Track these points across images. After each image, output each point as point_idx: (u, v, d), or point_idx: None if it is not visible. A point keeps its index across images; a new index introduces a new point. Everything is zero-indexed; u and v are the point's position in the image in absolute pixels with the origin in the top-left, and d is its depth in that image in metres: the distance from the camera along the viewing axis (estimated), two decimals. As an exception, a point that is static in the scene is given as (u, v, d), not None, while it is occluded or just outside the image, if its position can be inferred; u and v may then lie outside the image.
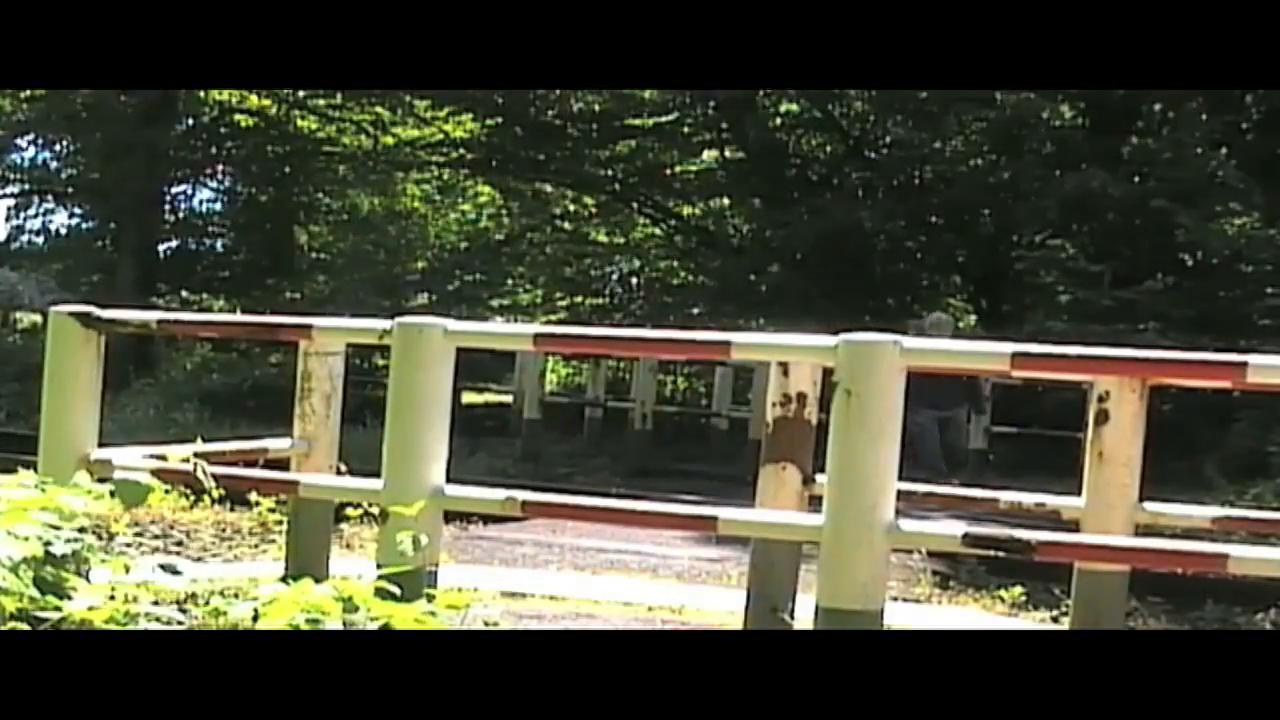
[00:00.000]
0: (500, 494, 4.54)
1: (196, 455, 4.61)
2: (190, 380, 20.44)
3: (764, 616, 5.06)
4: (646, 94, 20.50)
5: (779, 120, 21.27)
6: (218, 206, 27.01)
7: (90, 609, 3.05)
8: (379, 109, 24.08)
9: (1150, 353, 4.46)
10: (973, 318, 20.54)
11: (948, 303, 21.09)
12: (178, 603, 4.61)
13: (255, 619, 3.10)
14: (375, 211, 27.46)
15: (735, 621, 5.45)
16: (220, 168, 26.08)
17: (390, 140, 24.55)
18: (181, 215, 26.28)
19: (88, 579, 3.25)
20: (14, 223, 26.39)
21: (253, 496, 7.88)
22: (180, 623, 3.25)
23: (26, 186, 26.10)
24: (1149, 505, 4.92)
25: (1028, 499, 5.34)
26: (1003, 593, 7.23)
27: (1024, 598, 7.12)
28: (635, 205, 23.56)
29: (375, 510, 4.98)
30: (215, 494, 7.97)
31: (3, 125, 25.14)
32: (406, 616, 3.07)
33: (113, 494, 3.68)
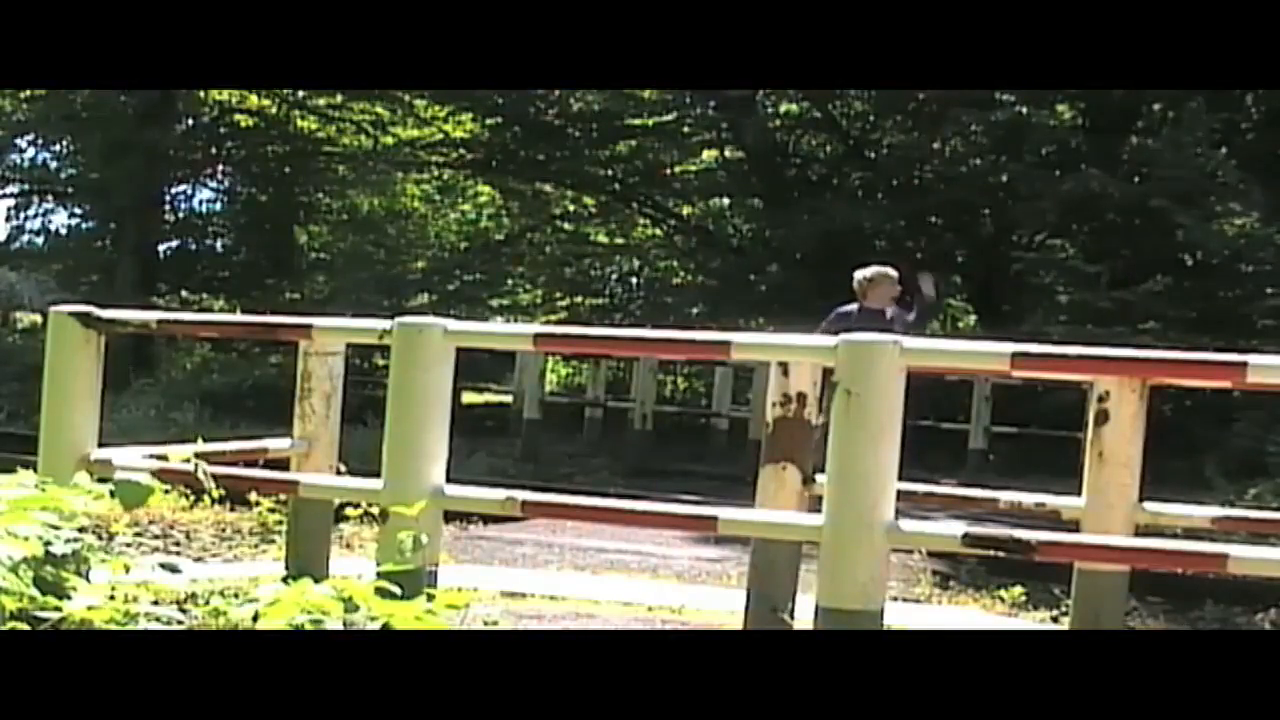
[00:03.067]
0: (500, 494, 4.54)
1: (197, 455, 4.60)
2: (190, 380, 20.44)
3: (764, 616, 5.07)
4: (646, 94, 20.48)
5: (779, 120, 21.26)
6: (218, 206, 27.04)
7: (90, 609, 3.04)
8: (379, 109, 24.08)
9: (1150, 353, 4.46)
10: (972, 318, 20.54)
11: (947, 303, 21.08)
12: (178, 603, 4.61)
13: (255, 619, 3.10)
14: (375, 211, 27.45)
15: (735, 621, 5.45)
16: (220, 168, 26.07)
17: (390, 140, 24.54)
18: (181, 215, 26.29)
19: (88, 579, 3.24)
20: (14, 223, 26.44)
21: (253, 496, 7.88)
22: (180, 623, 3.25)
23: (26, 186, 26.10)
24: (1149, 505, 4.93)
25: (1028, 499, 5.34)
26: (1003, 593, 7.23)
27: (1024, 598, 7.12)
28: (635, 205, 23.55)
29: (375, 510, 4.98)
30: (215, 494, 7.97)
31: (3, 125, 25.13)
32: (406, 615, 3.07)
33: (113, 494, 3.67)
